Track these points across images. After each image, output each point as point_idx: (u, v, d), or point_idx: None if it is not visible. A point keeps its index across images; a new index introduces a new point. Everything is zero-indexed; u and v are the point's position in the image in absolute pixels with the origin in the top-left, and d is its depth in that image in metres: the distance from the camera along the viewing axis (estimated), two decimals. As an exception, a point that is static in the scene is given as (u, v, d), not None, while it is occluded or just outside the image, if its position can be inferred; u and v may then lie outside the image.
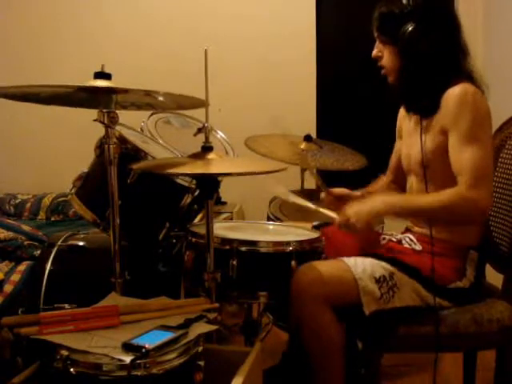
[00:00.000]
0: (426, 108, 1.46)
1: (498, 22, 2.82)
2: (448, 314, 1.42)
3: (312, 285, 1.36)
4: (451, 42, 1.44)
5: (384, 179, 1.79)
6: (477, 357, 1.67)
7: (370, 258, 1.44)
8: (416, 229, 1.58)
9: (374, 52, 1.53)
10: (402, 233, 1.63)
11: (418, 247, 1.50)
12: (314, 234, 1.61)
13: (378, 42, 1.53)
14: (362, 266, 1.39)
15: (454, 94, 1.39)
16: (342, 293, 1.38)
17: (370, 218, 1.40)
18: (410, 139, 1.55)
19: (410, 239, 1.54)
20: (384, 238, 1.64)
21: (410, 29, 1.41)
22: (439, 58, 1.42)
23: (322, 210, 1.54)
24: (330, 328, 1.36)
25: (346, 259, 1.43)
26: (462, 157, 1.37)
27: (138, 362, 1.00)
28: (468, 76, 1.44)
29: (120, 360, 1.01)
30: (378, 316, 1.37)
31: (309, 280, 1.37)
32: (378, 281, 1.37)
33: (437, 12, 1.45)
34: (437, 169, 1.45)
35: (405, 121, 1.62)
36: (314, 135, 2.39)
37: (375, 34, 1.52)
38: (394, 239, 1.60)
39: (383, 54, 1.51)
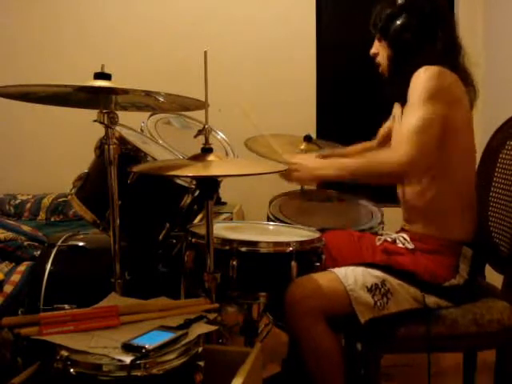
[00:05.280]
0: (402, 94, 1.52)
1: (498, 22, 2.82)
2: (448, 314, 1.42)
3: (305, 299, 1.37)
4: (437, 34, 1.49)
5: (371, 143, 1.95)
6: (477, 357, 1.67)
7: (362, 267, 1.45)
8: (408, 227, 1.61)
9: (372, 49, 1.62)
10: (397, 232, 1.65)
11: (411, 246, 1.52)
12: (315, 235, 1.61)
13: (375, 41, 1.61)
14: (353, 277, 1.41)
15: (416, 75, 1.44)
16: (335, 305, 1.39)
17: (312, 176, 1.57)
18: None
19: (404, 238, 1.55)
20: (380, 239, 1.65)
21: (398, 22, 1.51)
22: (422, 47, 1.49)
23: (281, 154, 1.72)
24: (325, 341, 1.38)
25: (337, 270, 1.44)
26: (404, 121, 1.42)
27: (138, 362, 1.00)
28: (451, 64, 1.48)
29: (120, 360, 1.01)
30: (374, 323, 1.38)
31: (302, 294, 1.38)
32: (370, 289, 1.39)
33: (425, 6, 1.51)
34: None
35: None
36: (313, 135, 2.39)
37: (372, 32, 1.61)
38: (389, 239, 1.62)
39: (379, 51, 1.59)
